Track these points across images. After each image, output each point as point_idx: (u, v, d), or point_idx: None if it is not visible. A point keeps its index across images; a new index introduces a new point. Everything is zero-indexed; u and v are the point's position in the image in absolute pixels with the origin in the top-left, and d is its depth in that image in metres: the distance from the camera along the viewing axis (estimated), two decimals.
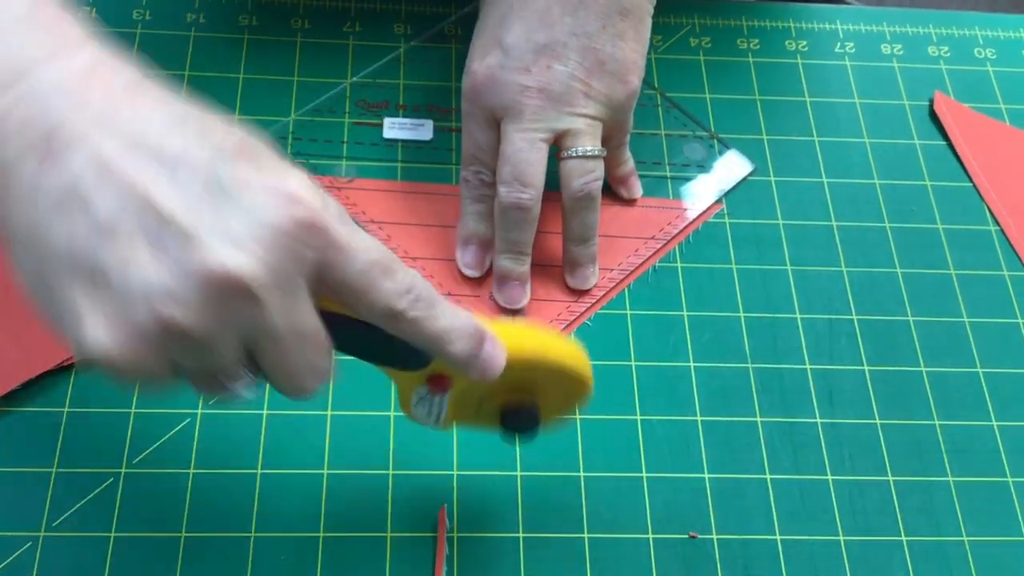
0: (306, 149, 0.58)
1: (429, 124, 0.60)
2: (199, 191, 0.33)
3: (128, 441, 0.48)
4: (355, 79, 0.61)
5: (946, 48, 0.68)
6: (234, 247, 0.33)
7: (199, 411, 0.50)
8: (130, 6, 0.63)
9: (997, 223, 0.60)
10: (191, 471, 0.48)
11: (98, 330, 0.33)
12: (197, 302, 0.33)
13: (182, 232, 0.33)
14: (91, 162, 0.33)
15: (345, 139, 0.58)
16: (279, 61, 0.61)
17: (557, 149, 0.52)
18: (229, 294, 0.33)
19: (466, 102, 0.53)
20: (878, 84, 0.65)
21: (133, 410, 0.49)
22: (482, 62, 0.52)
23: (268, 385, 0.37)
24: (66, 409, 0.49)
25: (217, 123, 0.35)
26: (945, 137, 0.63)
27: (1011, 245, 0.59)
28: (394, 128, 0.59)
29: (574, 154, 0.51)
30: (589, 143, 0.51)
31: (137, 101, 0.35)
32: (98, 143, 0.33)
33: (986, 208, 0.61)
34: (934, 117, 0.64)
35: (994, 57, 0.68)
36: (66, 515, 0.46)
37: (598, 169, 0.52)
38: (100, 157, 0.33)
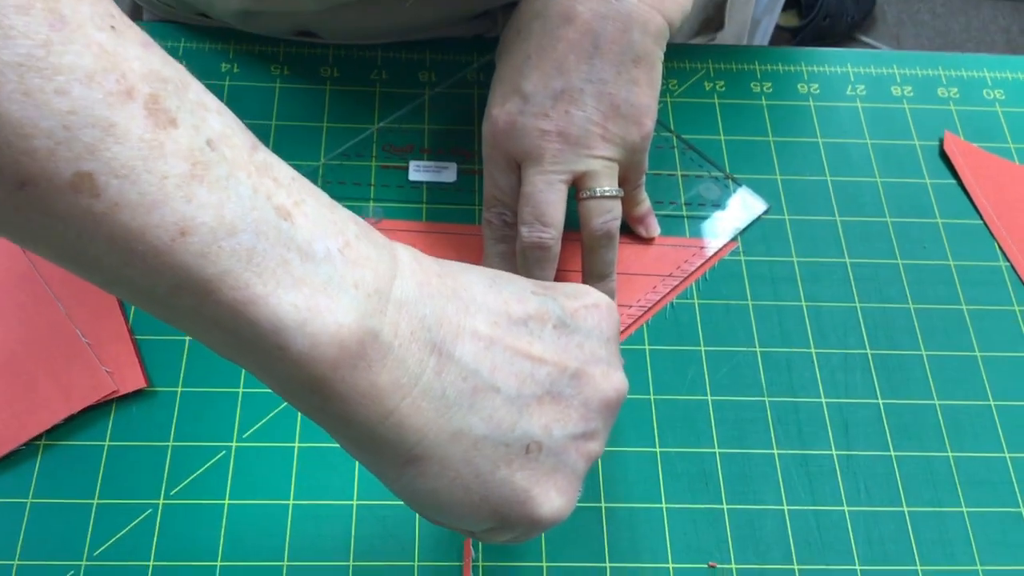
0: (335, 192, 0.59)
1: (453, 167, 0.62)
2: (554, 334, 0.38)
3: (166, 473, 0.50)
4: (382, 124, 0.63)
5: (955, 89, 0.69)
6: (610, 366, 0.39)
7: (233, 444, 0.51)
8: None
9: (1007, 259, 0.62)
10: (226, 502, 0.50)
11: (552, 499, 0.37)
12: (604, 428, 0.39)
13: (571, 374, 0.37)
14: (476, 344, 0.35)
15: (372, 182, 0.61)
16: (309, 108, 0.64)
17: (576, 190, 0.54)
18: (616, 408, 0.40)
19: (487, 147, 0.55)
20: (889, 125, 0.67)
21: (171, 443, 0.51)
22: (502, 108, 0.54)
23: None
24: (107, 443, 0.51)
25: (504, 273, 0.40)
26: (955, 176, 0.65)
27: (1021, 280, 0.61)
28: (419, 171, 0.61)
29: (593, 194, 0.53)
30: (607, 183, 0.53)
31: (455, 278, 0.37)
32: (473, 326, 0.36)
33: (996, 245, 0.62)
34: (944, 156, 0.66)
35: (1003, 98, 0.69)
36: (107, 545, 0.48)
37: (616, 208, 0.54)
38: (480, 337, 0.36)
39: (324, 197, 0.34)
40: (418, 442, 0.35)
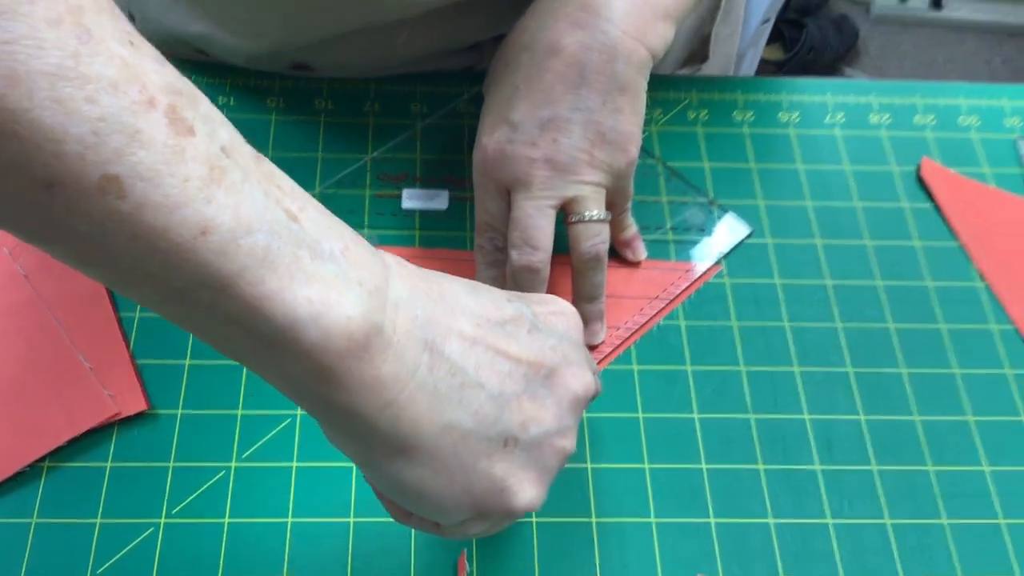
0: None
1: (445, 194, 0.64)
2: (529, 337, 0.40)
3: (167, 493, 0.52)
4: (375, 154, 0.65)
5: (932, 116, 0.72)
6: (579, 367, 0.42)
7: (232, 464, 0.53)
8: None
9: (983, 280, 0.64)
10: (226, 520, 0.51)
11: (526, 490, 0.40)
12: (574, 424, 0.41)
13: (545, 374, 0.40)
14: (462, 343, 0.38)
15: (366, 210, 0.63)
16: (305, 139, 0.66)
17: (565, 215, 0.56)
18: (585, 406, 0.43)
19: (478, 175, 0.57)
20: (867, 151, 0.69)
21: (172, 464, 0.52)
22: (492, 137, 0.56)
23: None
24: (109, 464, 0.52)
25: (480, 283, 0.42)
26: (932, 200, 0.67)
27: (997, 300, 0.63)
28: (412, 199, 0.63)
29: (581, 219, 0.55)
30: (595, 208, 0.55)
31: (439, 284, 0.40)
32: (459, 327, 0.38)
33: (973, 266, 0.64)
34: (921, 181, 0.68)
35: (978, 124, 0.72)
36: (110, 563, 0.49)
37: (604, 232, 0.56)
38: (465, 337, 0.38)
39: (320, 206, 0.36)
40: (411, 433, 0.37)
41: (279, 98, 0.67)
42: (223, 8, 0.64)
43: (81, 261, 0.33)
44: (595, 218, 0.55)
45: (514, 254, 0.55)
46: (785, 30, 2.00)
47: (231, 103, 0.67)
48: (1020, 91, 0.74)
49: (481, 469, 0.39)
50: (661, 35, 0.57)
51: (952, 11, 2.07)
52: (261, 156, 0.35)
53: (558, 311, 0.44)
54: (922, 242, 0.65)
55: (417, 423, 0.37)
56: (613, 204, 0.58)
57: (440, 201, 0.63)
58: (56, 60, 0.29)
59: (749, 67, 1.24)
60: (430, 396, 0.37)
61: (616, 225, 0.60)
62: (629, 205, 0.60)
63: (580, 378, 0.42)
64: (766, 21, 1.22)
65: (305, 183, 0.62)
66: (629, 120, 0.56)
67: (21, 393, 0.53)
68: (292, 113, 0.67)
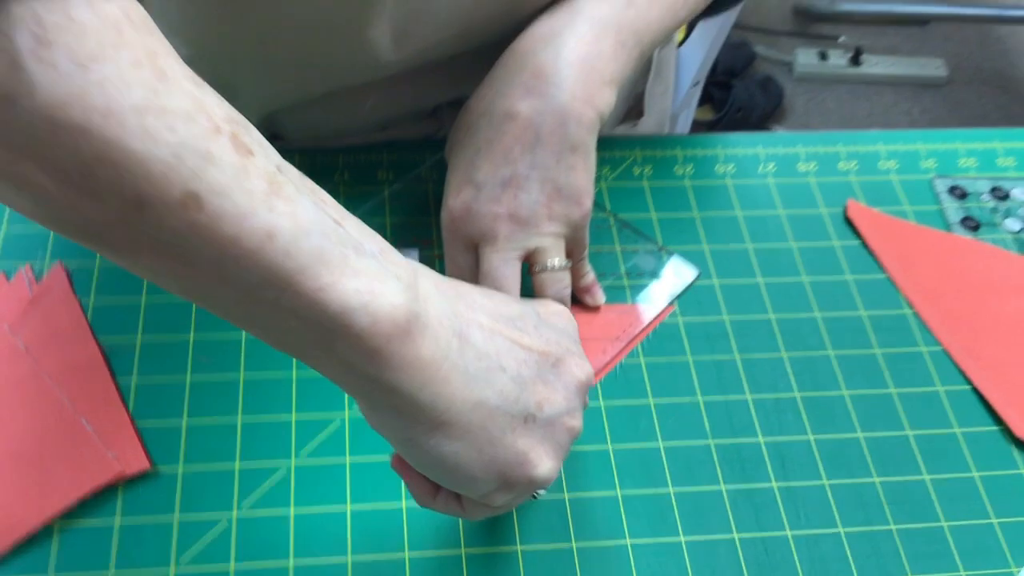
0: None
1: (415, 253, 0.68)
2: (536, 331, 0.47)
3: (174, 545, 0.55)
4: None
5: (854, 162, 0.78)
6: (580, 358, 0.48)
7: (234, 513, 0.56)
8: None
9: (911, 307, 0.69)
10: (231, 566, 0.54)
11: (544, 462, 0.46)
12: (580, 407, 0.48)
13: (552, 362, 0.46)
14: (483, 332, 0.45)
15: None
16: None
17: (529, 265, 0.61)
18: (587, 390, 0.49)
19: (447, 232, 0.62)
20: (798, 196, 0.75)
21: (177, 517, 0.56)
22: (457, 197, 0.61)
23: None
24: (117, 522, 0.55)
25: (487, 288, 0.50)
26: (859, 237, 0.73)
27: (925, 325, 0.69)
28: None
29: (544, 268, 0.60)
30: (556, 257, 0.60)
31: (455, 285, 0.46)
32: (479, 319, 0.45)
33: (900, 295, 0.70)
34: (848, 221, 0.74)
35: (896, 167, 0.78)
36: None
37: (566, 279, 0.61)
38: (484, 328, 0.45)
39: (355, 217, 0.42)
40: (447, 408, 0.42)
41: None
42: (198, 72, 0.69)
43: (163, 272, 0.38)
44: (557, 267, 0.60)
45: (484, 284, 0.59)
46: (714, 92, 2.10)
47: None
48: (933, 135, 0.81)
49: (507, 442, 0.44)
50: (606, 99, 0.62)
51: (870, 67, 2.18)
52: (304, 175, 0.41)
53: (557, 311, 0.50)
54: (853, 276, 0.71)
55: (452, 400, 0.42)
56: (571, 253, 0.63)
57: (411, 259, 0.68)
58: (140, 95, 0.34)
59: (683, 127, 1.32)
60: (462, 376, 0.42)
61: (575, 273, 0.65)
62: (586, 254, 0.65)
63: (582, 367, 0.48)
64: (696, 84, 1.29)
65: None
66: (582, 176, 0.62)
67: (29, 459, 0.56)
68: None
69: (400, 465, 0.49)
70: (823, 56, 2.20)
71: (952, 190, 0.77)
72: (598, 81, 0.62)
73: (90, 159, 0.34)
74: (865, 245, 0.73)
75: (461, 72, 0.69)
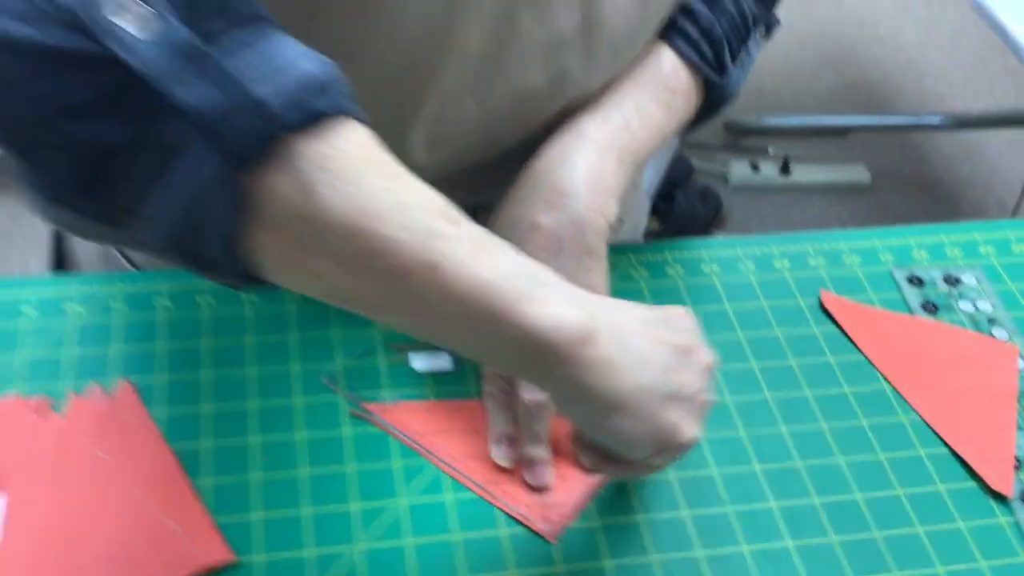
0: (354, 385, 0.73)
1: (445, 355, 0.75)
2: (670, 329, 0.58)
3: None
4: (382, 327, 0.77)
5: (822, 258, 0.88)
6: (705, 347, 0.60)
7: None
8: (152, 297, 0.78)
9: (888, 382, 0.78)
10: None
11: (693, 428, 0.58)
12: (710, 385, 0.60)
13: (685, 351, 0.58)
14: (637, 335, 0.56)
15: (383, 373, 0.73)
16: (317, 319, 0.77)
17: None
18: (713, 372, 0.61)
19: None
20: (776, 289, 0.84)
21: None
22: None
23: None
24: None
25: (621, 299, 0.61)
26: (835, 324, 0.82)
27: (902, 397, 0.77)
28: (419, 360, 0.75)
29: None
30: None
31: (603, 299, 0.58)
32: (629, 324, 0.56)
33: (878, 373, 0.79)
34: (824, 309, 0.83)
35: (859, 261, 0.88)
36: None
37: None
38: (635, 331, 0.56)
39: (522, 254, 0.54)
40: (619, 394, 0.54)
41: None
42: None
43: (406, 325, 0.54)
44: None
45: (524, 394, 0.67)
46: (659, 203, 2.22)
47: (212, 302, 0.77)
48: (887, 233, 0.91)
49: (662, 416, 0.56)
50: (612, 209, 0.71)
51: (799, 176, 2.33)
52: (486, 229, 0.53)
53: (680, 313, 0.61)
54: (834, 357, 0.80)
55: (622, 387, 0.54)
56: None
57: (443, 360, 0.75)
58: (393, 198, 0.49)
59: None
60: (627, 368, 0.54)
61: None
62: None
63: (708, 354, 0.61)
64: (648, 195, 1.40)
65: (327, 358, 0.74)
66: (597, 277, 0.70)
67: (120, 560, 0.61)
68: (307, 301, 0.78)
69: (577, 441, 0.60)
70: (755, 167, 2.35)
71: (910, 279, 0.86)
72: (605, 194, 0.71)
73: (365, 250, 0.47)
74: (841, 330, 0.82)
75: (484, 180, 0.77)
